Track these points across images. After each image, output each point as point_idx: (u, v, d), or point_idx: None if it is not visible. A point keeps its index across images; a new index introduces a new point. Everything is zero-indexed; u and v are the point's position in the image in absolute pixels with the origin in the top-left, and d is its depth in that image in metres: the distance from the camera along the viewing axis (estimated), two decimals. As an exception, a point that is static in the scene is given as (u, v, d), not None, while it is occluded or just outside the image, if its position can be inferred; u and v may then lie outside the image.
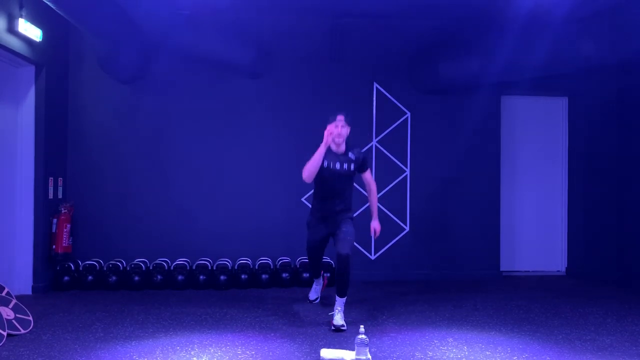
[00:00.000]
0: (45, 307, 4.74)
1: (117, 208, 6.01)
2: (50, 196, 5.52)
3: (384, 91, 6.35)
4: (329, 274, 5.47)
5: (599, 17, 4.99)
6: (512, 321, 4.40)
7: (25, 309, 4.16)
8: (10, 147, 5.27)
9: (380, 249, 6.31)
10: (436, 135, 6.39)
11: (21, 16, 4.78)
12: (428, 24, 6.31)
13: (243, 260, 5.85)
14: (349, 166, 4.36)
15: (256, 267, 5.80)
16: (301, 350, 3.59)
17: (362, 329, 3.32)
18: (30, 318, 4.12)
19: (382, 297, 5.28)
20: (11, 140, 5.27)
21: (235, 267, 5.79)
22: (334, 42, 6.20)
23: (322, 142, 4.25)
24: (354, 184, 4.64)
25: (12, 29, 4.70)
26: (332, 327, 4.06)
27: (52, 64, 5.50)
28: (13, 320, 3.93)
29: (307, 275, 5.62)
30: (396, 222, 6.34)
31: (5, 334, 3.73)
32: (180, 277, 5.58)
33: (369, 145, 6.32)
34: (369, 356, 3.29)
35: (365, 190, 4.68)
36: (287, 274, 5.74)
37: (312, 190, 4.64)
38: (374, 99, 6.34)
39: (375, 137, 6.34)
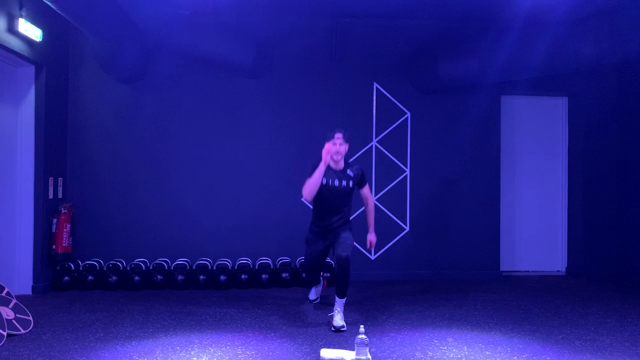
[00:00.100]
0: (45, 307, 4.74)
1: (117, 208, 6.01)
2: (50, 196, 5.52)
3: (384, 91, 6.35)
4: (328, 274, 5.48)
5: (598, 17, 4.99)
6: (512, 321, 4.40)
7: (25, 309, 4.16)
8: (10, 147, 5.28)
9: (380, 249, 6.31)
10: (436, 135, 6.39)
11: (21, 16, 4.78)
12: (428, 24, 6.31)
13: (243, 260, 5.85)
14: (347, 183, 4.40)
15: (256, 267, 5.81)
16: (301, 350, 3.59)
17: (362, 329, 3.33)
18: (30, 318, 4.12)
19: (382, 297, 5.28)
20: (11, 140, 5.27)
21: (235, 267, 5.79)
22: (334, 42, 6.19)
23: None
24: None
25: (12, 29, 4.70)
26: (332, 328, 4.06)
27: (52, 64, 5.50)
28: (13, 320, 3.93)
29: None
30: (396, 222, 6.34)
31: (5, 334, 3.73)
32: (180, 277, 5.58)
33: (369, 145, 6.32)
34: (369, 356, 3.30)
35: (363, 202, 4.69)
36: (287, 274, 5.74)
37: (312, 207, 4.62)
38: (374, 99, 6.34)
39: (375, 137, 6.34)
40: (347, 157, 4.52)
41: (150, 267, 5.73)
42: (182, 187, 6.09)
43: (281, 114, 6.21)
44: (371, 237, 4.56)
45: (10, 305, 4.06)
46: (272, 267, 5.83)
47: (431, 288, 5.75)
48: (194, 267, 5.76)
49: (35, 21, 5.03)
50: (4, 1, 4.59)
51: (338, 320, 4.08)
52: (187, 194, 6.09)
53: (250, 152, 6.17)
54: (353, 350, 3.35)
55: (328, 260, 5.59)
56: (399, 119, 6.36)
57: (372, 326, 4.18)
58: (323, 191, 4.31)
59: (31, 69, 5.30)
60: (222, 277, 5.61)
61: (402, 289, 5.69)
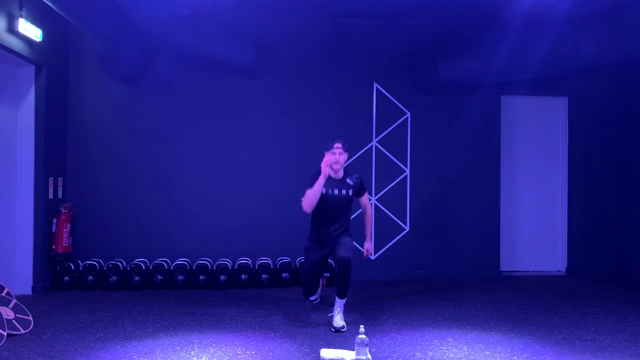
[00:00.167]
0: (45, 307, 4.74)
1: (117, 208, 6.01)
2: (50, 196, 5.52)
3: (384, 91, 6.35)
4: (328, 274, 5.48)
5: (598, 17, 4.99)
6: (512, 321, 4.40)
7: (25, 309, 4.16)
8: (10, 147, 5.28)
9: (380, 249, 6.31)
10: (436, 135, 6.39)
11: (21, 16, 4.78)
12: (428, 24, 6.31)
13: (243, 260, 5.85)
14: (347, 192, 4.41)
15: (256, 267, 5.81)
16: (301, 350, 3.59)
17: (362, 329, 3.33)
18: (30, 318, 4.12)
19: (382, 297, 5.28)
20: (11, 140, 5.28)
21: (235, 267, 5.79)
22: (334, 42, 6.19)
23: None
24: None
25: (12, 29, 4.70)
26: (332, 329, 4.06)
27: (52, 64, 5.50)
28: (13, 320, 3.93)
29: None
30: (396, 222, 6.34)
31: (5, 334, 3.73)
32: (180, 277, 5.58)
33: (369, 145, 6.32)
34: (369, 356, 3.30)
35: (361, 210, 4.69)
36: (287, 274, 5.74)
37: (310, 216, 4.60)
38: (374, 99, 6.34)
39: (375, 137, 6.34)
40: (346, 163, 4.52)
41: (150, 267, 5.73)
42: (182, 187, 6.09)
43: (281, 114, 6.21)
44: (368, 246, 4.57)
45: (10, 305, 4.06)
46: (272, 267, 5.83)
47: (431, 288, 5.75)
48: (194, 267, 5.76)
49: (35, 21, 5.03)
50: (4, 1, 4.59)
51: (338, 320, 4.08)
52: (187, 194, 6.09)
53: (250, 151, 6.17)
54: (353, 350, 3.35)
55: (328, 260, 5.58)
56: (399, 119, 6.36)
57: (372, 326, 4.18)
58: (322, 200, 4.32)
59: (31, 69, 5.30)
60: (222, 277, 5.61)
61: (402, 289, 5.69)
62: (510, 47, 5.35)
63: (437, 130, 6.39)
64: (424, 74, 6.15)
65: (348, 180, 4.43)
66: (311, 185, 4.26)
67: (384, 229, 6.30)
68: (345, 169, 4.48)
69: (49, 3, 4.30)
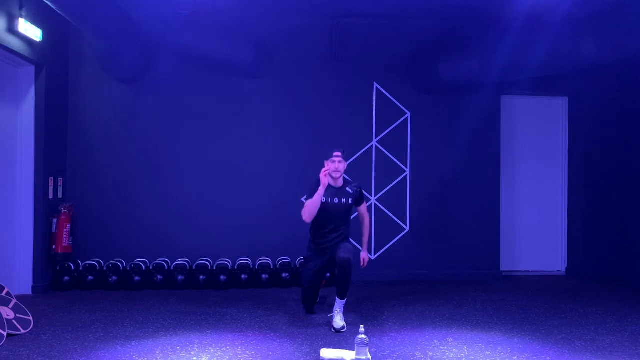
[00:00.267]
0: (45, 307, 4.74)
1: (117, 208, 6.01)
2: (50, 196, 5.52)
3: (384, 91, 6.35)
4: (328, 274, 5.48)
5: (599, 17, 4.98)
6: (512, 321, 4.40)
7: (25, 309, 4.16)
8: (10, 147, 5.28)
9: (380, 249, 6.31)
10: (436, 135, 6.39)
11: (21, 16, 4.78)
12: (428, 24, 6.31)
13: (243, 260, 5.85)
14: (347, 200, 4.43)
15: (256, 267, 5.81)
16: (301, 350, 3.59)
17: (362, 329, 3.33)
18: (30, 318, 4.12)
19: (382, 297, 5.28)
20: (11, 140, 5.27)
21: (235, 267, 5.79)
22: (334, 42, 6.20)
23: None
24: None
25: (12, 29, 4.70)
26: (333, 329, 4.06)
27: (52, 64, 5.50)
28: (13, 320, 3.93)
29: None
30: (396, 222, 6.34)
31: (5, 334, 3.73)
32: (180, 277, 5.58)
33: (369, 145, 6.32)
34: (369, 356, 3.30)
35: (359, 221, 4.69)
36: (287, 274, 5.74)
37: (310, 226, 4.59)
38: (374, 99, 6.34)
39: (375, 137, 6.34)
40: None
41: (150, 267, 5.73)
42: (182, 187, 6.09)
43: (281, 114, 6.21)
44: (364, 255, 4.58)
45: (10, 305, 4.06)
46: (272, 267, 5.83)
47: (431, 288, 5.75)
48: (194, 267, 5.76)
49: (35, 21, 5.03)
50: (4, 1, 4.59)
51: (338, 321, 4.08)
52: (187, 193, 6.09)
53: (250, 151, 6.17)
54: (353, 350, 3.35)
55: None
56: (399, 119, 6.36)
57: (372, 326, 4.18)
58: (322, 209, 4.34)
59: (31, 69, 5.30)
60: (222, 277, 5.61)
61: (402, 289, 5.69)
62: (510, 47, 5.35)
63: (437, 130, 6.39)
64: (424, 74, 6.15)
65: (348, 188, 4.46)
66: (311, 195, 4.29)
67: (384, 229, 6.30)
68: (344, 178, 4.51)
69: (49, 3, 4.29)
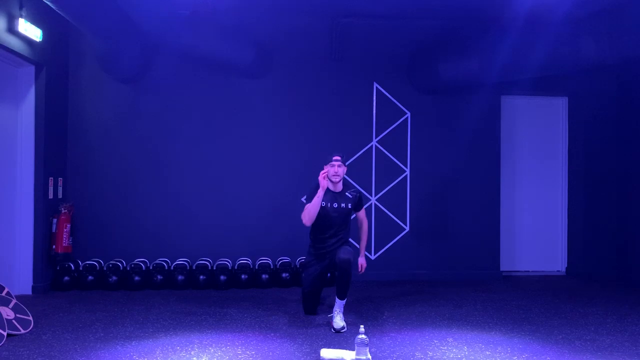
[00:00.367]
0: (45, 307, 4.74)
1: (117, 208, 6.01)
2: (50, 196, 5.52)
3: (384, 91, 6.35)
4: (329, 275, 5.47)
5: (599, 17, 4.98)
6: (512, 321, 4.40)
7: (25, 309, 4.16)
8: (10, 147, 5.28)
9: (380, 249, 6.31)
10: (436, 135, 6.39)
11: (21, 16, 4.78)
12: (428, 24, 6.31)
13: (243, 260, 5.85)
14: (346, 205, 4.43)
15: (256, 267, 5.81)
16: (301, 350, 3.59)
17: (362, 329, 3.33)
18: (30, 318, 4.12)
19: (382, 297, 5.28)
20: (11, 140, 5.28)
21: (235, 267, 5.79)
22: (334, 42, 6.20)
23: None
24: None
25: (12, 29, 4.70)
26: (333, 330, 4.06)
27: (52, 64, 5.50)
28: (13, 320, 3.93)
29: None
30: (396, 222, 6.34)
31: (5, 334, 3.73)
32: (180, 277, 5.58)
33: (369, 145, 6.32)
34: (369, 356, 3.30)
35: (357, 226, 4.68)
36: (287, 274, 5.74)
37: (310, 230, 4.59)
38: (374, 99, 6.34)
39: (375, 137, 6.34)
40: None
41: (150, 267, 5.73)
42: (182, 187, 6.09)
43: (281, 114, 6.21)
44: (362, 261, 4.56)
45: (10, 305, 4.06)
46: (272, 267, 5.83)
47: (431, 288, 5.75)
48: (194, 267, 5.76)
49: (35, 21, 5.03)
50: (4, 1, 4.59)
51: (338, 321, 4.08)
52: (187, 193, 6.09)
53: (250, 151, 6.17)
54: (353, 350, 3.35)
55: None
56: (399, 119, 6.36)
57: (372, 326, 4.18)
58: (322, 214, 4.35)
59: (31, 69, 5.30)
60: (222, 277, 5.61)
61: (402, 289, 5.69)
62: (510, 47, 5.34)
63: (437, 130, 6.39)
64: (424, 74, 6.15)
65: (347, 193, 4.47)
66: (310, 198, 4.30)
67: (384, 229, 6.30)
68: (344, 182, 4.52)
69: (49, 3, 4.29)
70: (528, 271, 6.76)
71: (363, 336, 3.28)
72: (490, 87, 6.25)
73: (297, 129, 6.21)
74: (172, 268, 5.72)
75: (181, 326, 4.17)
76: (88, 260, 5.70)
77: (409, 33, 6.33)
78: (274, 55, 6.20)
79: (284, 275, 5.73)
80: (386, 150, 6.34)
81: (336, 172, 4.36)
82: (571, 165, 6.75)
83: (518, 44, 5.33)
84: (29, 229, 5.31)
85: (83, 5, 4.60)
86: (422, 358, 3.47)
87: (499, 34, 5.51)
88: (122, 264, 5.71)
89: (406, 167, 6.37)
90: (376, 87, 6.34)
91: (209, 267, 5.76)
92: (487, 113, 6.42)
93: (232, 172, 6.15)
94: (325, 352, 3.41)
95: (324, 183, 4.26)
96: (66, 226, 5.53)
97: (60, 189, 5.73)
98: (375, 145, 6.34)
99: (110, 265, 5.62)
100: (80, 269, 5.61)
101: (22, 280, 5.30)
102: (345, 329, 4.05)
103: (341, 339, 3.83)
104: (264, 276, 5.69)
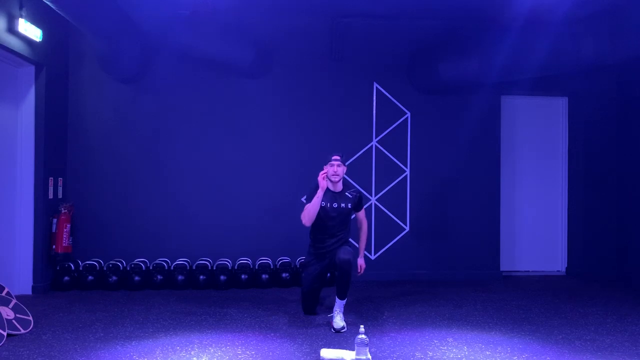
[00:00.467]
0: (45, 307, 4.74)
1: (117, 208, 6.01)
2: (50, 196, 5.52)
3: (384, 91, 6.35)
4: (329, 275, 5.47)
5: (599, 17, 4.98)
6: (512, 321, 4.40)
7: (25, 309, 4.16)
8: (10, 147, 5.27)
9: (380, 249, 6.31)
10: (436, 135, 6.39)
11: (21, 16, 4.78)
12: (428, 24, 6.31)
13: (243, 260, 5.85)
14: (346, 205, 4.43)
15: (256, 267, 5.81)
16: (301, 350, 3.59)
17: (362, 329, 3.33)
18: (30, 318, 4.12)
19: (382, 297, 5.28)
20: (11, 140, 5.27)
21: (235, 267, 5.79)
22: (334, 42, 6.20)
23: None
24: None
25: (12, 29, 4.70)
26: (333, 330, 4.06)
27: (52, 64, 5.50)
28: (13, 320, 3.93)
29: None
30: (396, 222, 6.34)
31: (5, 334, 3.73)
32: (180, 277, 5.58)
33: (369, 145, 6.32)
34: (369, 356, 3.30)
35: (357, 226, 4.67)
36: (287, 274, 5.73)
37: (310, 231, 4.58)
38: (374, 98, 6.34)
39: (375, 137, 6.34)
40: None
41: (150, 267, 5.73)
42: (182, 187, 6.09)
43: (281, 114, 6.21)
44: (361, 262, 4.54)
45: (10, 305, 4.06)
46: (272, 267, 5.83)
47: (431, 288, 5.75)
48: (194, 267, 5.76)
49: (35, 21, 5.03)
50: (4, 1, 4.59)
51: (338, 321, 4.08)
52: (187, 194, 6.09)
53: (250, 151, 6.17)
54: (353, 350, 3.35)
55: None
56: (399, 119, 6.36)
57: (372, 326, 4.18)
58: (322, 214, 4.35)
59: (31, 69, 5.30)
60: (222, 277, 5.61)
61: (402, 289, 5.69)
62: (510, 47, 5.34)
63: (437, 130, 6.39)
64: (424, 74, 6.15)
65: (347, 193, 4.47)
66: (310, 199, 4.30)
67: (384, 229, 6.30)
68: (344, 182, 4.51)
69: (49, 3, 4.29)
70: (528, 271, 6.76)
71: (363, 336, 3.28)
72: (490, 87, 6.25)
73: (297, 128, 6.21)
74: (172, 268, 5.72)
75: (181, 326, 4.17)
76: (88, 260, 5.70)
77: (409, 33, 6.33)
78: (274, 55, 6.20)
79: (284, 275, 5.73)
80: (386, 150, 6.34)
81: (335, 172, 4.35)
82: (571, 165, 6.75)
83: (518, 44, 5.33)
84: (29, 229, 5.31)
85: (83, 5, 4.60)
86: (422, 358, 3.47)
87: (499, 34, 5.51)
88: (122, 264, 5.72)
89: (406, 167, 6.37)
90: (376, 87, 6.34)
91: (209, 267, 5.76)
92: (487, 113, 6.42)
93: (232, 172, 6.15)
94: (325, 352, 3.41)
95: (323, 183, 4.26)
96: (66, 226, 5.53)
97: (60, 189, 5.73)
98: (375, 145, 6.34)
99: (110, 265, 5.62)
100: (80, 269, 5.61)
101: (22, 280, 5.30)
102: (345, 329, 4.05)
103: (341, 339, 3.83)
104: (264, 276, 5.69)
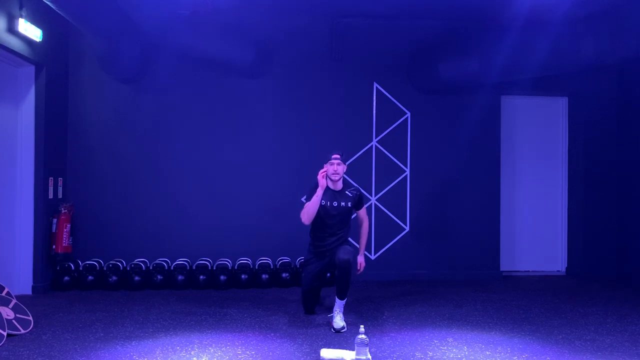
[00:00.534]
0: (45, 307, 4.74)
1: (117, 208, 6.01)
2: (50, 196, 5.52)
3: (384, 91, 6.35)
4: (328, 275, 5.47)
5: (599, 17, 4.98)
6: (512, 321, 4.40)
7: (25, 309, 4.16)
8: (10, 147, 5.28)
9: (380, 249, 6.31)
10: (436, 135, 6.39)
11: (21, 16, 4.78)
12: (428, 24, 6.31)
13: (243, 260, 5.85)
14: (346, 203, 4.43)
15: (256, 267, 5.81)
16: (301, 350, 3.59)
17: (362, 329, 3.33)
18: (30, 318, 4.12)
19: (382, 297, 5.28)
20: (11, 140, 5.28)
21: (235, 267, 5.79)
22: (334, 42, 6.20)
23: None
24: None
25: (12, 29, 4.70)
26: (333, 330, 4.06)
27: (52, 64, 5.50)
28: (13, 320, 3.93)
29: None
30: (396, 222, 6.34)
31: (5, 334, 3.73)
32: (180, 277, 5.58)
33: (369, 145, 6.32)
34: (369, 356, 3.30)
35: (358, 224, 4.67)
36: (287, 274, 5.73)
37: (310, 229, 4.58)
38: (374, 98, 6.34)
39: (375, 137, 6.34)
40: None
41: (150, 267, 5.73)
42: (182, 187, 6.09)
43: (281, 114, 6.21)
44: (361, 259, 4.54)
45: (10, 305, 4.06)
46: (272, 267, 5.83)
47: (431, 288, 5.75)
48: (194, 267, 5.76)
49: (35, 21, 5.03)
50: (4, 1, 4.59)
51: (338, 321, 4.08)
52: (187, 194, 6.09)
53: (250, 151, 6.17)
54: (353, 350, 3.35)
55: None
56: (399, 119, 6.36)
57: (372, 326, 4.18)
58: (322, 212, 4.35)
59: (31, 69, 5.30)
60: (222, 277, 5.61)
61: (402, 289, 5.69)
62: (510, 47, 5.35)
63: (437, 130, 6.39)
64: (424, 74, 6.15)
65: (347, 192, 4.46)
66: (310, 197, 4.29)
67: (384, 229, 6.30)
68: (344, 182, 4.51)
69: (49, 3, 4.30)
70: (528, 271, 6.76)
71: (363, 336, 3.28)
72: (490, 87, 6.25)
73: (297, 128, 6.21)
74: (172, 268, 5.72)
75: (181, 326, 4.17)
76: (88, 260, 5.70)
77: (409, 33, 6.33)
78: (274, 55, 6.20)
79: (284, 275, 5.73)
80: (386, 150, 6.34)
81: (335, 171, 4.35)
82: (571, 165, 6.75)
83: (518, 44, 5.33)
84: (29, 229, 5.31)
85: (83, 5, 4.60)
86: (422, 358, 3.47)
87: (499, 34, 5.51)
88: (122, 264, 5.72)
89: (406, 167, 6.37)
90: (376, 87, 6.34)
91: (209, 267, 5.76)
92: (487, 113, 6.42)
93: (232, 172, 6.15)
94: (325, 352, 3.41)
95: (323, 182, 4.26)
96: (66, 226, 5.53)
97: (60, 189, 5.73)
98: (375, 145, 6.34)
99: (110, 265, 5.62)
100: (80, 269, 5.61)
101: (22, 280, 5.30)
102: (345, 329, 4.05)
103: (341, 339, 3.83)
104: (264, 276, 5.69)
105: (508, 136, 6.69)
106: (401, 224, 6.34)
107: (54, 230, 5.48)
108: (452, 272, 6.32)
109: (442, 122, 6.39)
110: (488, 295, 5.40)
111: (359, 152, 6.28)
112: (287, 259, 5.89)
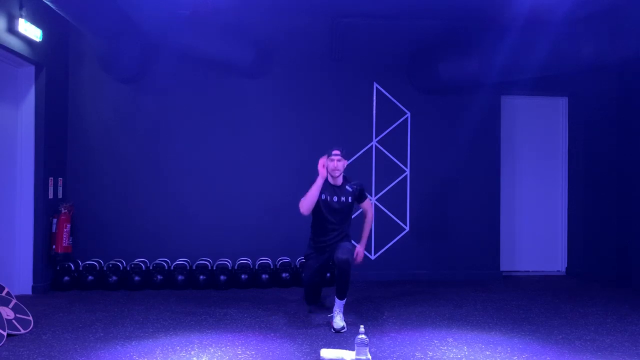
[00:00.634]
0: (45, 307, 4.74)
1: (117, 208, 6.01)
2: (50, 196, 5.52)
3: (384, 91, 6.35)
4: (328, 274, 5.47)
5: (599, 17, 4.98)
6: (512, 321, 4.40)
7: (25, 309, 4.16)
8: (10, 147, 5.28)
9: (380, 249, 6.31)
10: (436, 135, 6.39)
11: (21, 16, 4.78)
12: (428, 24, 6.31)
13: (243, 260, 5.85)
14: (346, 199, 4.42)
15: (256, 267, 5.81)
16: (301, 350, 3.59)
17: (362, 329, 3.33)
18: (30, 318, 4.12)
19: (382, 297, 5.28)
20: (11, 140, 5.28)
21: (235, 267, 5.79)
22: (334, 42, 6.20)
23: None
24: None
25: (12, 29, 4.70)
26: (333, 330, 4.06)
27: (52, 64, 5.50)
28: (13, 320, 3.93)
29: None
30: (396, 222, 6.34)
31: (5, 334, 3.73)
32: (180, 277, 5.58)
33: (369, 145, 6.32)
34: (369, 356, 3.30)
35: (362, 215, 4.67)
36: (287, 274, 5.73)
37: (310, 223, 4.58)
38: (374, 98, 6.34)
39: (375, 137, 6.34)
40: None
41: (150, 267, 5.73)
42: (182, 187, 6.09)
43: (281, 114, 6.21)
44: (359, 249, 4.53)
45: (10, 305, 4.06)
46: (272, 267, 5.83)
47: (431, 288, 5.75)
48: (194, 267, 5.76)
49: (35, 21, 5.03)
50: (4, 1, 4.59)
51: (338, 321, 4.08)
52: (187, 193, 6.09)
53: (250, 151, 6.17)
54: (353, 350, 3.35)
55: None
56: (399, 119, 6.36)
57: (372, 326, 4.18)
58: (322, 208, 4.34)
59: (31, 69, 5.30)
60: (222, 277, 5.61)
61: (402, 289, 5.69)
62: (510, 47, 5.35)
63: (437, 130, 6.39)
64: (424, 74, 6.15)
65: (347, 187, 4.45)
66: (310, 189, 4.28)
67: (384, 229, 6.30)
68: (345, 177, 4.50)
69: (49, 3, 4.29)
70: (528, 271, 6.76)
71: (363, 336, 3.28)
72: (490, 87, 6.25)
73: (297, 129, 6.21)
74: (172, 268, 5.72)
75: (181, 326, 4.17)
76: (88, 260, 5.70)
77: (409, 33, 6.33)
78: (274, 55, 6.20)
79: (284, 275, 5.73)
80: (386, 150, 6.34)
81: (336, 167, 4.34)
82: (571, 165, 6.75)
83: (518, 44, 5.33)
84: (29, 229, 5.31)
85: (83, 5, 4.60)
86: (422, 358, 3.47)
87: (499, 34, 5.52)
88: (122, 264, 5.72)
89: (406, 167, 6.37)
90: (376, 87, 6.34)
91: (209, 267, 5.76)
92: (487, 113, 6.42)
93: (232, 172, 6.15)
94: (325, 352, 3.41)
95: (323, 172, 4.25)
96: (66, 226, 5.53)
97: (60, 189, 5.73)
98: (375, 145, 6.34)
99: (110, 265, 5.62)
100: (80, 269, 5.61)
101: (22, 280, 5.30)
102: (345, 329, 4.05)
103: (341, 339, 3.83)
104: (264, 276, 5.69)
105: (508, 136, 6.69)
106: (401, 224, 6.34)
107: (54, 230, 5.48)
108: (452, 272, 6.32)
109: (442, 122, 6.39)
110: (488, 295, 5.40)
111: (359, 152, 6.28)
112: (287, 259, 5.89)
